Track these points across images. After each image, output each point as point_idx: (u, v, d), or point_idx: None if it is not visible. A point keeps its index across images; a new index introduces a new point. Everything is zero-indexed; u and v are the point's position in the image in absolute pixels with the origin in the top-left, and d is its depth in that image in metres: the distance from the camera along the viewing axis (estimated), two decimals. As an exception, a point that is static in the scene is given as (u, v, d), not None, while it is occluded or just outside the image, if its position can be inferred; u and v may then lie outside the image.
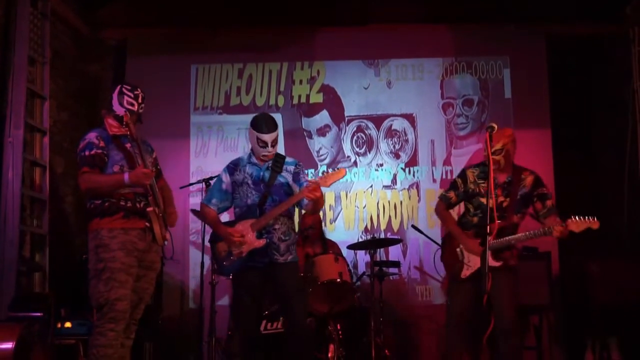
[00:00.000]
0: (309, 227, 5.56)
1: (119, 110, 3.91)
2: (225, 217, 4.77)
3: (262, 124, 4.29)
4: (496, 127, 3.81)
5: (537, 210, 4.38)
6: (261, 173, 4.33)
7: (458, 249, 4.41)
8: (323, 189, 4.15)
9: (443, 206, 4.53)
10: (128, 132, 3.88)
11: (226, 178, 4.40)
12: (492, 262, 4.22)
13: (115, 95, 3.93)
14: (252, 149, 4.40)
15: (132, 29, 6.63)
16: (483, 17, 6.44)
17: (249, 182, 4.32)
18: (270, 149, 4.28)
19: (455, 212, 4.79)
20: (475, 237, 4.32)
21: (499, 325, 4.05)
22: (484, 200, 4.30)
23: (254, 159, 4.38)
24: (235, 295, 4.53)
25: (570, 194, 4.37)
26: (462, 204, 4.61)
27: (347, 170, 4.28)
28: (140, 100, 3.96)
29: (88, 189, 3.83)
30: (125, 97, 3.92)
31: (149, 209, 3.87)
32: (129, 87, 3.96)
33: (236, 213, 4.42)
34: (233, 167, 4.42)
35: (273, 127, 4.30)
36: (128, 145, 3.92)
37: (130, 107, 3.91)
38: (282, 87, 6.58)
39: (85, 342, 4.12)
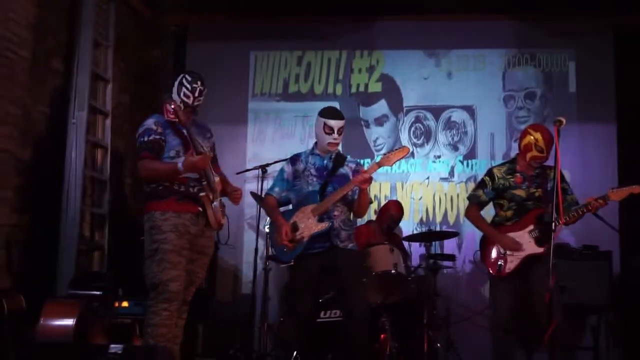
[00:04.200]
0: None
1: (176, 99, 3.96)
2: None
3: (330, 111, 4.40)
4: (564, 121, 3.72)
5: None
6: (324, 162, 4.36)
7: (500, 246, 4.42)
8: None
9: (474, 207, 4.59)
10: (173, 119, 3.91)
11: (288, 168, 4.45)
12: (535, 249, 4.34)
13: (176, 84, 3.99)
14: (316, 142, 4.43)
15: (193, 14, 6.69)
16: (548, 7, 6.26)
17: (312, 170, 4.35)
18: (336, 135, 4.30)
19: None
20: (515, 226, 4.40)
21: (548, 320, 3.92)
22: (516, 192, 4.43)
23: (316, 151, 4.41)
24: (292, 281, 4.53)
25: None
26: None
27: (410, 148, 4.23)
28: (197, 94, 3.98)
29: (146, 176, 3.92)
30: (183, 89, 3.96)
31: (202, 194, 3.90)
32: (189, 79, 3.98)
33: (293, 202, 4.41)
34: (295, 158, 4.48)
35: (340, 115, 4.37)
36: (185, 130, 3.95)
37: (185, 99, 3.95)
38: (341, 76, 6.54)
39: (142, 321, 4.18)
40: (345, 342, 4.20)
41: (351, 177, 4.33)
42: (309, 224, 4.22)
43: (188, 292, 3.99)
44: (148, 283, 3.83)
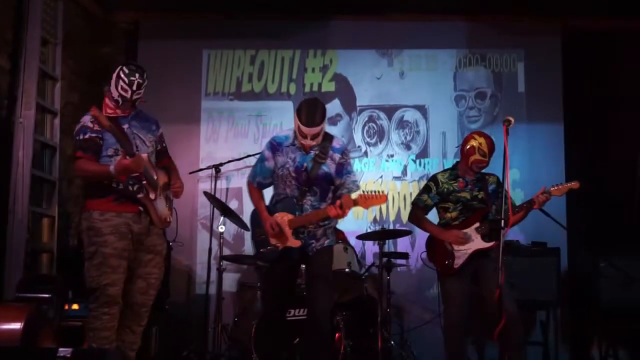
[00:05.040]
0: None
1: (114, 92, 3.82)
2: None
3: (305, 114, 4.00)
4: (513, 120, 3.80)
5: (499, 206, 4.53)
6: (305, 163, 4.08)
7: (447, 243, 4.52)
8: None
9: (418, 210, 4.72)
10: (123, 114, 3.84)
11: (269, 154, 4.17)
12: (482, 244, 4.46)
13: (114, 76, 3.82)
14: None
15: (145, 12, 6.59)
16: (499, 9, 6.38)
17: (291, 168, 4.09)
18: (309, 141, 4.02)
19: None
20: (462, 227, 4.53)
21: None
22: (461, 194, 4.57)
23: (297, 142, 4.11)
24: (266, 282, 4.49)
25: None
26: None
27: (387, 196, 4.06)
28: (135, 87, 3.81)
29: (80, 176, 3.88)
30: (120, 82, 3.80)
31: (139, 195, 3.79)
32: (126, 72, 3.81)
33: (273, 197, 4.25)
34: (276, 146, 4.16)
35: (315, 121, 3.98)
36: (125, 126, 3.84)
37: (123, 92, 3.80)
38: (294, 75, 6.53)
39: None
40: (306, 343, 4.16)
41: (333, 175, 4.11)
42: (284, 234, 4.09)
43: (147, 297, 3.89)
44: (87, 286, 3.75)
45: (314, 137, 4.02)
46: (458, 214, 4.57)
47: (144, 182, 3.80)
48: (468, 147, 4.57)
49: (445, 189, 4.61)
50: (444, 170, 4.79)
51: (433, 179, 4.73)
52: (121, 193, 3.77)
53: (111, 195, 3.76)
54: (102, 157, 3.78)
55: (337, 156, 4.13)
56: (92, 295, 3.72)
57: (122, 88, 3.80)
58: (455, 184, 4.61)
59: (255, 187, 4.26)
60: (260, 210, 4.21)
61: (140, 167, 3.71)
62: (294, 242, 4.08)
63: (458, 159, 4.86)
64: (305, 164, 4.09)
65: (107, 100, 3.86)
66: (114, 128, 3.75)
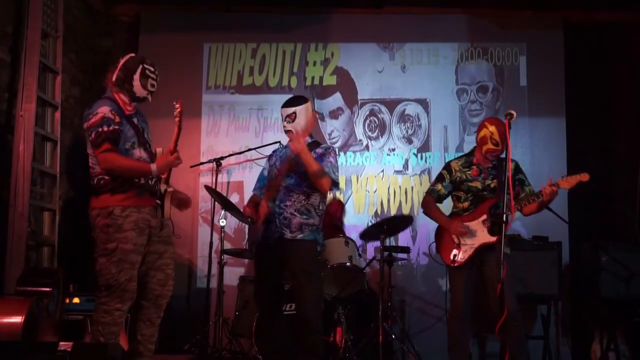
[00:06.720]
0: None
1: (140, 92, 3.81)
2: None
3: (287, 99, 4.34)
4: (515, 114, 3.77)
5: (517, 194, 4.51)
6: (289, 154, 4.23)
7: (453, 235, 4.49)
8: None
9: (431, 199, 4.66)
10: (132, 111, 3.84)
11: (266, 164, 4.48)
12: (488, 238, 4.41)
13: (137, 77, 3.78)
14: None
15: (146, 5, 6.59)
16: (500, 2, 6.36)
17: (278, 162, 4.34)
18: (285, 123, 4.24)
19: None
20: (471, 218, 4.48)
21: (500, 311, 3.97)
22: (472, 184, 4.51)
23: (289, 143, 4.33)
24: (255, 272, 4.54)
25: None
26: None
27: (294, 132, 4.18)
28: (157, 79, 3.90)
29: (109, 169, 3.67)
30: (149, 80, 3.81)
31: (170, 189, 3.83)
32: (152, 69, 3.83)
33: None
34: (272, 153, 4.50)
35: (292, 103, 4.27)
36: (135, 120, 3.84)
37: (152, 89, 3.84)
38: (296, 68, 6.51)
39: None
40: (295, 339, 4.18)
41: None
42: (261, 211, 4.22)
43: (167, 287, 3.89)
44: (102, 283, 3.66)
45: (288, 120, 4.22)
46: (469, 204, 4.53)
47: (164, 175, 3.82)
48: (481, 136, 4.51)
49: (458, 178, 4.56)
50: (460, 157, 4.73)
51: (447, 167, 4.66)
52: (143, 187, 3.75)
53: (133, 190, 3.72)
54: (119, 151, 3.74)
55: (320, 150, 4.29)
56: (108, 291, 3.66)
57: (151, 85, 3.83)
58: (469, 172, 4.54)
59: (255, 194, 4.44)
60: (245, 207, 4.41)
61: (177, 164, 3.78)
62: (264, 210, 4.16)
63: (459, 153, 4.83)
64: (288, 154, 4.25)
65: (122, 97, 3.82)
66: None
